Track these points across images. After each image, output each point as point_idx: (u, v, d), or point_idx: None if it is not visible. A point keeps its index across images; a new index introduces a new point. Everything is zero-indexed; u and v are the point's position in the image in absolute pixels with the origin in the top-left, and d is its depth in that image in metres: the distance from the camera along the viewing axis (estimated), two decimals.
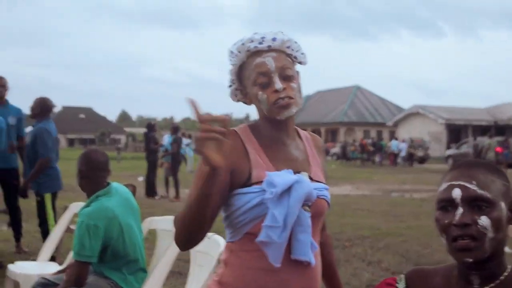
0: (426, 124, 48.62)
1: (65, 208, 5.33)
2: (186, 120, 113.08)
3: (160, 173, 15.53)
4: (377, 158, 38.05)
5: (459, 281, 1.52)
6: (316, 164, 2.08)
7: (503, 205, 1.45)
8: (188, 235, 1.81)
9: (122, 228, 3.49)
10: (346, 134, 55.18)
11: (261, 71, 1.93)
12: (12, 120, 6.97)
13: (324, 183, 2.05)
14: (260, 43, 1.94)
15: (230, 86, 2.05)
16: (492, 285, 1.47)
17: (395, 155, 36.12)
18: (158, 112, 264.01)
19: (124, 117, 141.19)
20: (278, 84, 1.91)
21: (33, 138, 6.57)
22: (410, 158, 36.72)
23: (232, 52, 1.99)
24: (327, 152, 43.73)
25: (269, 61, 1.93)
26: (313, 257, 1.94)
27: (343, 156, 41.21)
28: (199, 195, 1.72)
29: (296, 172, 1.95)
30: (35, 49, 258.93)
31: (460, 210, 1.42)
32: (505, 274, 1.48)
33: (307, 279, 1.97)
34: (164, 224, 3.94)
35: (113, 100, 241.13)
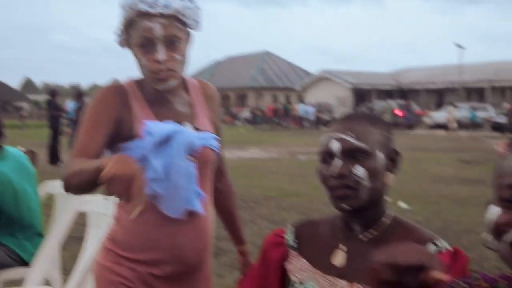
0: (333, 88, 49.69)
1: None
2: (93, 87, 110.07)
3: (65, 140, 15.12)
4: (283, 122, 38.65)
5: (343, 228, 1.57)
6: (204, 114, 2.07)
7: (380, 154, 1.50)
8: (79, 192, 1.87)
9: (17, 193, 3.39)
10: (255, 99, 55.54)
11: (146, 36, 1.88)
12: None
13: (211, 132, 2.05)
14: (151, 7, 1.87)
15: (118, 35, 1.99)
16: (372, 231, 1.53)
17: (302, 119, 36.77)
18: (64, 78, 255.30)
19: (28, 84, 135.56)
20: (161, 55, 1.87)
21: None
22: (317, 121, 37.50)
23: (123, 5, 1.93)
24: (235, 117, 43.99)
25: (156, 27, 1.87)
26: (201, 206, 1.96)
27: (252, 120, 41.56)
28: (92, 176, 1.68)
29: (180, 123, 1.95)
30: None
31: (337, 162, 1.47)
32: (385, 220, 1.54)
33: (197, 229, 1.99)
34: (62, 188, 3.84)
35: (17, 67, 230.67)
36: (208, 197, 2.05)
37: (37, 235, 3.49)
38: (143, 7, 1.87)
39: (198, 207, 1.96)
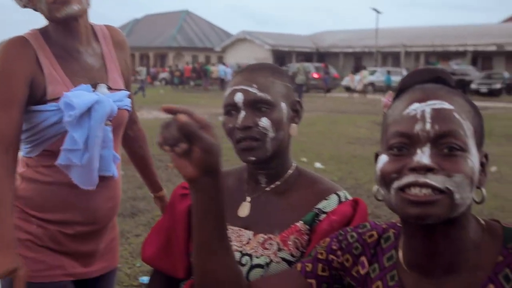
0: (253, 50, 49.73)
1: None
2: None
3: None
4: (203, 83, 38.44)
5: (249, 180, 1.59)
6: (114, 67, 2.01)
7: (284, 105, 1.51)
8: None
9: None
10: (175, 59, 54.85)
11: None
12: None
13: (124, 89, 2.01)
14: None
15: None
16: (277, 182, 1.55)
17: (222, 80, 36.65)
18: None
19: None
20: None
21: None
22: None
23: None
24: (155, 77, 43.35)
25: None
26: (116, 170, 1.94)
27: (171, 81, 41.06)
28: None
29: (94, 84, 1.90)
30: None
31: (242, 114, 1.47)
32: (289, 172, 1.57)
33: (110, 190, 1.98)
34: None
35: None
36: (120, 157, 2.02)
37: None
38: None
39: (114, 171, 1.94)
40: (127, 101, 1.99)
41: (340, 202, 1.49)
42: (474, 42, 42.85)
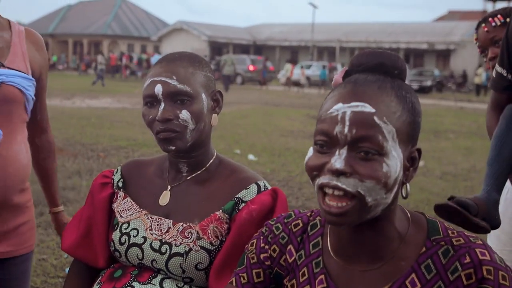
0: (190, 40, 49.39)
1: None
2: None
3: None
4: (139, 72, 38.01)
5: (170, 169, 1.60)
6: (20, 56, 1.95)
7: (204, 96, 1.52)
8: None
9: None
10: (110, 47, 53.83)
11: None
12: None
13: (23, 72, 1.93)
14: None
15: None
16: (198, 172, 1.57)
17: None
18: None
19: None
20: None
21: None
22: None
23: None
24: (89, 65, 42.43)
25: None
26: None
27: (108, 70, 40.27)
28: None
29: None
30: None
31: (162, 106, 1.47)
32: (210, 161, 1.59)
33: None
34: None
35: None
36: (17, 137, 1.93)
37: None
38: None
39: None
40: (21, 82, 1.90)
41: (259, 191, 1.51)
42: (407, 40, 43.94)
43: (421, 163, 8.53)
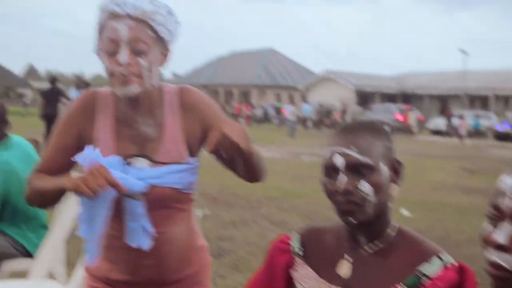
0: (337, 89, 49.71)
1: None
2: (96, 76, 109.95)
3: None
4: (275, 121, 38.85)
5: (348, 239, 1.57)
6: (174, 138, 1.95)
7: (384, 167, 1.49)
8: (42, 208, 2.04)
9: (22, 183, 3.34)
10: (258, 97, 55.52)
11: (111, 37, 1.81)
12: None
13: (178, 163, 1.94)
14: (119, 6, 1.81)
15: (95, 43, 1.93)
16: (377, 242, 1.53)
17: (305, 119, 36.75)
18: (66, 67, 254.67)
19: (31, 71, 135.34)
20: (123, 57, 1.79)
21: None
22: (319, 122, 37.50)
23: (99, 9, 1.87)
24: (238, 115, 43.93)
25: (123, 29, 1.80)
26: (147, 242, 1.90)
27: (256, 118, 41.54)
28: (54, 191, 1.84)
29: (140, 155, 1.91)
30: None
31: (342, 177, 1.46)
32: (389, 231, 1.54)
33: (155, 256, 1.96)
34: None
35: (18, 53, 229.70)
36: (177, 218, 2.00)
37: (42, 227, 3.47)
38: (112, 7, 1.83)
39: (143, 244, 1.90)
40: (174, 179, 1.91)
41: (443, 266, 1.44)
42: None
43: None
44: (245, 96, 57.65)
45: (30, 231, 3.43)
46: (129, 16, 1.81)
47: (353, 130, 1.53)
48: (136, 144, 1.92)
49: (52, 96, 14.04)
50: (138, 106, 1.91)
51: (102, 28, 1.87)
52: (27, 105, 41.79)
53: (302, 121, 36.58)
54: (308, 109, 37.21)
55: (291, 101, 52.09)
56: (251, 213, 7.84)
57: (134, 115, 1.93)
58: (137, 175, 1.88)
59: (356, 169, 1.46)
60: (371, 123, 1.58)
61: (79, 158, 1.83)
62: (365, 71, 63.99)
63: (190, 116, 1.97)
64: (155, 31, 1.85)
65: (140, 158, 1.91)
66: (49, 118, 14.08)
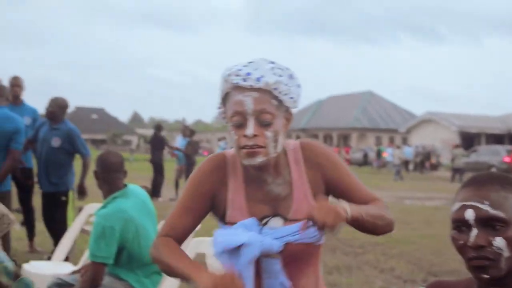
0: (439, 131, 48.44)
1: (80, 209, 5.34)
2: (198, 123, 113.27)
3: (172, 176, 15.57)
4: (375, 164, 38.25)
5: None
6: (303, 195, 1.97)
7: None
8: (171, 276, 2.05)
9: (138, 231, 3.48)
10: (358, 140, 55.05)
11: (237, 110, 1.86)
12: (27, 120, 7.00)
13: (309, 218, 1.93)
14: (244, 80, 1.85)
15: (218, 108, 2.00)
16: None
17: (407, 162, 35.94)
18: (168, 113, 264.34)
19: (136, 119, 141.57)
20: (249, 130, 1.84)
21: (67, 138, 6.57)
22: (421, 165, 36.59)
23: (222, 78, 1.92)
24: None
25: (248, 101, 1.84)
26: None
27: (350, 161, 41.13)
28: (183, 277, 1.90)
29: (274, 214, 1.94)
30: (35, 51, 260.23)
31: (474, 232, 1.43)
32: None
33: None
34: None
35: (124, 102, 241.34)
36: (307, 271, 2.03)
37: (156, 273, 3.57)
38: (236, 80, 1.86)
39: None
40: (306, 233, 1.91)
41: None
42: None
43: None
44: (344, 139, 57.33)
45: (145, 277, 3.54)
46: (253, 89, 1.86)
47: (483, 183, 1.49)
48: (267, 204, 1.96)
49: (157, 143, 14.59)
50: (266, 168, 1.94)
51: (225, 97, 1.93)
52: (133, 151, 43.55)
53: (404, 163, 35.78)
54: (409, 152, 36.43)
55: (392, 143, 51.23)
56: (355, 259, 7.69)
57: (262, 176, 1.96)
58: (273, 234, 1.91)
59: (489, 224, 1.43)
60: (502, 175, 1.55)
61: (216, 244, 1.89)
62: (467, 112, 61.95)
63: (313, 170, 2.01)
64: (279, 101, 1.89)
65: (274, 218, 1.94)
66: (155, 164, 14.62)
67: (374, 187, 21.67)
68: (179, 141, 15.89)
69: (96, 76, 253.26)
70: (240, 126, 1.86)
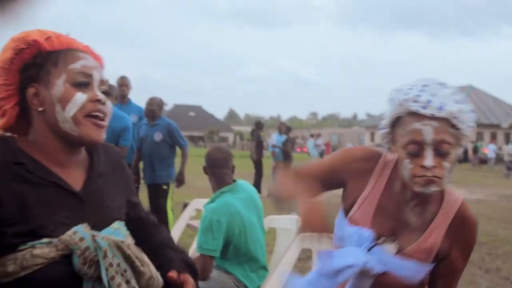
0: None
1: (185, 204, 5.45)
2: (292, 119, 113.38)
3: (270, 173, 15.67)
4: (473, 160, 36.86)
5: None
6: (430, 241, 1.92)
7: None
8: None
9: (245, 225, 3.54)
10: None
11: (414, 139, 1.77)
12: (134, 118, 7.33)
13: (421, 262, 1.91)
14: (424, 107, 1.75)
15: (382, 128, 1.93)
16: None
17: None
18: (263, 110, 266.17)
19: (232, 116, 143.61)
20: (429, 161, 1.75)
21: (168, 133, 7.10)
22: None
23: (392, 99, 1.84)
24: None
25: (427, 131, 1.75)
26: None
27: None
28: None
29: (392, 238, 1.91)
30: (135, 49, 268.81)
31: None
32: None
33: None
34: (284, 223, 3.96)
35: (221, 99, 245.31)
36: None
37: (262, 268, 3.62)
38: (415, 107, 1.77)
39: None
40: (410, 272, 1.89)
41: None
42: None
43: None
44: None
45: (252, 272, 3.60)
46: (433, 117, 1.76)
47: None
48: (391, 222, 1.92)
49: (256, 140, 14.77)
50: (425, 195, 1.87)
51: (397, 120, 1.85)
52: (230, 147, 44.21)
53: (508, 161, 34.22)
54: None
55: (493, 139, 49.14)
56: None
57: (406, 196, 1.92)
58: (381, 257, 1.88)
59: None
60: None
61: (321, 258, 1.90)
62: None
63: (453, 234, 1.94)
64: (457, 129, 1.79)
65: (393, 244, 1.91)
66: (255, 161, 14.82)
67: (478, 184, 20.91)
68: (275, 138, 15.95)
69: (193, 75, 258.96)
70: (416, 155, 1.78)
